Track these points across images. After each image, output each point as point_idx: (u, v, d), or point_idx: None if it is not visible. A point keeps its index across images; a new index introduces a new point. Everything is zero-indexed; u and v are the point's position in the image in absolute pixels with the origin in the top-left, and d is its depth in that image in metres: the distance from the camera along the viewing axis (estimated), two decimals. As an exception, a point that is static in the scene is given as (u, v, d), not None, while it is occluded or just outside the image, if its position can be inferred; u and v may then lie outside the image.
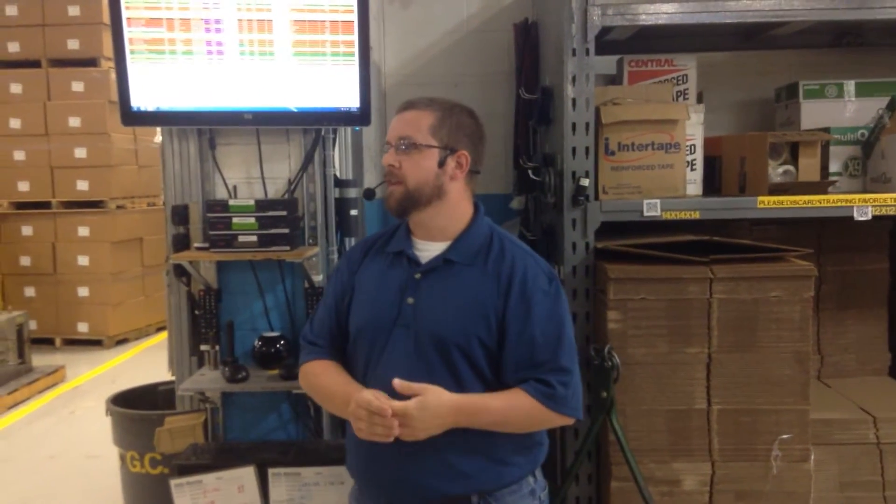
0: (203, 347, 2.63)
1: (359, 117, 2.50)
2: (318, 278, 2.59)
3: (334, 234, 2.65)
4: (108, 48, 6.39)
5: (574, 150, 2.42)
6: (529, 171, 2.70)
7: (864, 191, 2.63)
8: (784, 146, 2.51)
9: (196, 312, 2.63)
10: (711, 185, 2.72)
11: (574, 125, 2.42)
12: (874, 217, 2.39)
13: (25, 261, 6.83)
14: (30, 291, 6.84)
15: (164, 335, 6.81)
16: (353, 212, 2.68)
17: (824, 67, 3.00)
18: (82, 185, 6.68)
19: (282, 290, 2.65)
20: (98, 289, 6.76)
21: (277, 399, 2.67)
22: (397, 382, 1.56)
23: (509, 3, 3.21)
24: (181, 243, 2.59)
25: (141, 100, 2.44)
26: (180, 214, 2.60)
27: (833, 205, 2.41)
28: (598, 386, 2.27)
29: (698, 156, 2.61)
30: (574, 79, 2.41)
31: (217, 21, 2.40)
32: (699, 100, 2.78)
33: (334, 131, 2.64)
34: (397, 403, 1.54)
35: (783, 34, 2.77)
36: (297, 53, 2.43)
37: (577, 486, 2.48)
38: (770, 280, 2.30)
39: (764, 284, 2.30)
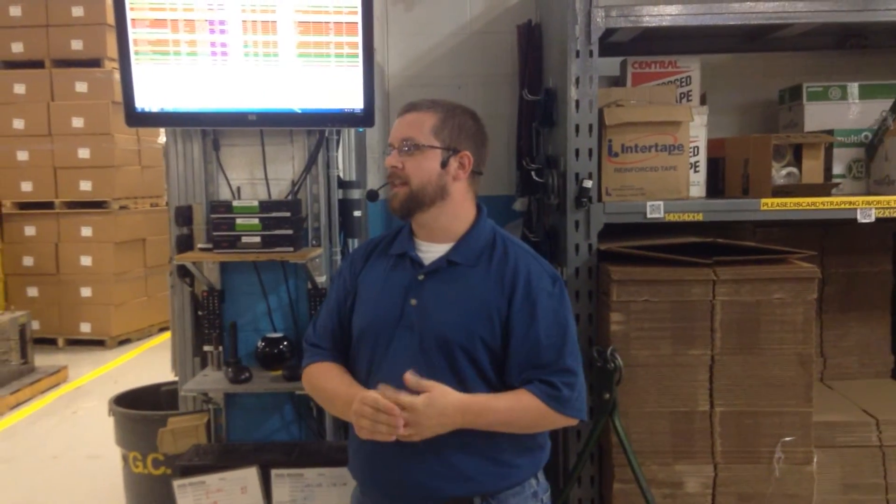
0: (206, 348, 2.63)
1: (362, 118, 2.50)
2: (322, 279, 2.60)
3: (337, 236, 2.66)
4: (111, 49, 6.41)
5: (577, 151, 2.42)
6: (532, 173, 2.71)
7: (868, 193, 2.63)
8: (787, 148, 2.51)
9: (199, 313, 2.64)
10: (715, 187, 2.72)
11: (577, 127, 2.42)
12: (877, 219, 2.39)
13: (28, 261, 6.84)
14: (33, 291, 6.85)
15: (166, 335, 6.84)
16: (357, 213, 2.68)
17: (828, 69, 3.00)
18: (85, 186, 6.69)
19: (285, 291, 2.65)
20: (101, 289, 6.77)
21: (280, 400, 2.67)
22: (409, 376, 1.56)
23: (513, 5, 3.21)
24: (185, 244, 2.60)
25: (145, 101, 2.44)
26: (184, 215, 2.60)
27: (836, 207, 2.40)
28: (600, 388, 2.27)
29: (702, 158, 2.61)
30: (577, 80, 2.41)
31: (221, 22, 2.40)
32: (703, 101, 2.78)
33: (338, 132, 2.64)
34: (406, 397, 1.54)
35: (787, 36, 2.77)
36: (302, 55, 2.43)
37: (579, 488, 2.49)
38: (773, 282, 2.30)
39: (767, 286, 2.30)
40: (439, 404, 1.56)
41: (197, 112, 2.47)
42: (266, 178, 2.63)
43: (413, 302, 1.67)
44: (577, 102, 2.42)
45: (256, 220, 2.45)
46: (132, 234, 6.97)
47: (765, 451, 2.34)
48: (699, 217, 2.41)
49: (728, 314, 2.31)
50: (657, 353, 2.33)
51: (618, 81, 2.84)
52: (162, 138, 2.79)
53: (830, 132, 2.62)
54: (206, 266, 2.61)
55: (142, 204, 7.12)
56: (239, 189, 2.64)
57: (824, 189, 2.49)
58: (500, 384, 1.67)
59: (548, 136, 2.83)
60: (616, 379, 2.25)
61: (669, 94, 2.64)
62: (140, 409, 3.03)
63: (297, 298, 2.66)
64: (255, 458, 2.40)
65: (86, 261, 6.77)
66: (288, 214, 2.46)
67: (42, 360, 6.00)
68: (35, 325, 6.23)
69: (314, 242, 2.65)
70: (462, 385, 1.63)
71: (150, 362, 6.20)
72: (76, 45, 6.61)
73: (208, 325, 2.60)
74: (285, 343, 2.57)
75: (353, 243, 2.68)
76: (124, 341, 6.94)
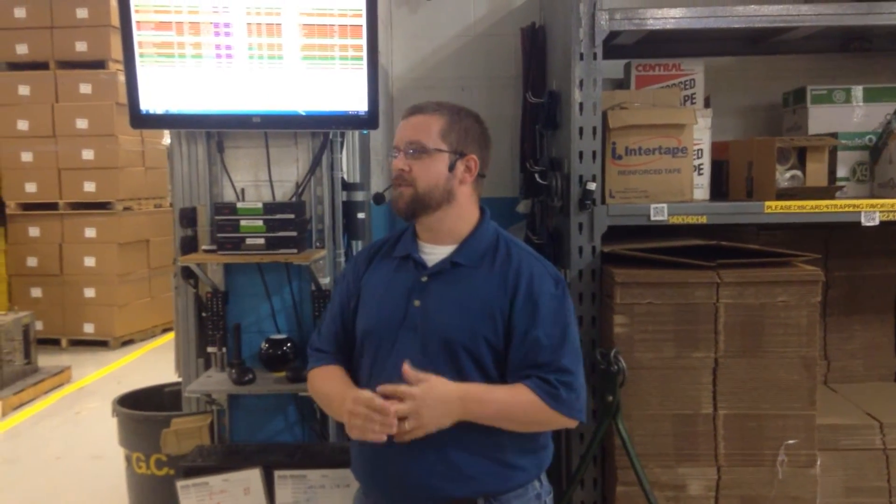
0: (210, 349, 2.63)
1: (367, 121, 2.50)
2: (325, 281, 2.60)
3: (341, 237, 2.66)
4: (116, 50, 6.42)
5: (581, 154, 2.43)
6: (536, 175, 2.70)
7: (872, 196, 2.62)
8: (791, 151, 2.51)
9: (203, 314, 2.64)
10: (718, 189, 2.72)
11: (581, 129, 2.42)
12: (882, 222, 2.39)
13: (32, 261, 6.86)
14: (36, 292, 6.86)
15: (169, 336, 6.86)
16: (361, 215, 2.68)
17: (832, 72, 3.00)
18: (89, 187, 6.71)
19: (289, 292, 2.66)
20: (104, 290, 6.78)
21: (284, 401, 2.67)
22: (407, 367, 1.56)
23: (517, 8, 3.22)
24: (189, 245, 2.60)
25: (150, 102, 2.45)
26: (188, 217, 2.61)
27: (840, 210, 2.40)
28: (603, 390, 2.27)
29: (706, 160, 2.61)
30: (581, 83, 2.41)
31: (226, 25, 2.41)
32: (706, 104, 2.78)
33: (342, 135, 2.64)
34: (404, 387, 1.55)
35: (791, 39, 2.77)
36: (306, 57, 2.44)
37: (582, 491, 2.48)
38: (777, 285, 2.30)
39: (771, 289, 2.30)
40: (438, 391, 1.57)
41: (201, 114, 2.48)
42: (270, 180, 2.64)
43: (416, 303, 1.68)
44: (581, 105, 2.42)
45: (260, 222, 2.45)
46: (136, 235, 6.98)
47: (768, 453, 2.34)
48: (703, 220, 2.41)
49: (732, 317, 2.31)
50: (660, 355, 2.33)
51: (622, 84, 2.84)
52: (166, 140, 2.79)
53: (834, 135, 2.62)
54: (209, 267, 2.61)
55: (146, 205, 7.14)
56: (243, 191, 2.64)
57: (828, 192, 2.49)
58: (502, 384, 1.67)
59: (551, 138, 2.83)
60: (619, 381, 2.25)
61: (673, 97, 2.64)
62: (143, 409, 3.03)
63: (301, 300, 2.66)
64: (259, 459, 2.40)
65: (89, 261, 6.79)
66: (292, 216, 2.46)
67: (45, 360, 6.01)
68: (39, 325, 6.24)
69: (318, 244, 2.65)
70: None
71: (154, 363, 6.21)
72: (80, 46, 6.63)
73: (212, 326, 2.60)
74: (289, 345, 2.57)
75: (357, 245, 2.69)
76: (128, 342, 6.95)
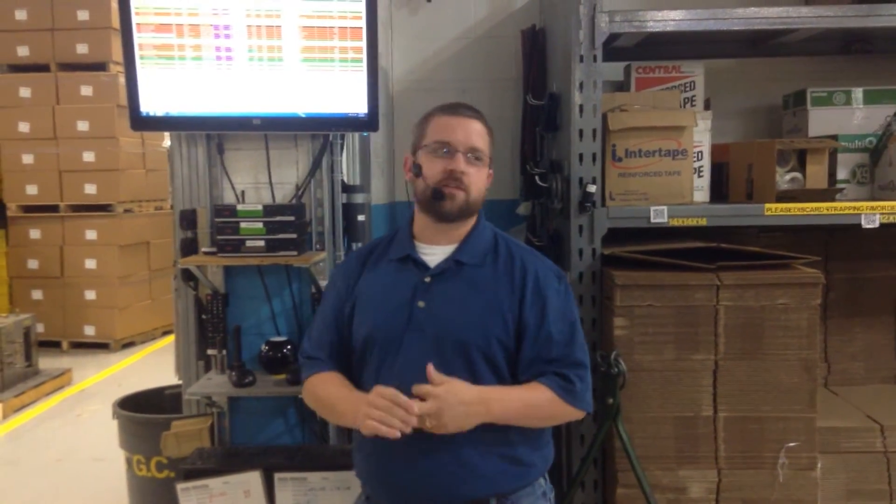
0: (210, 352, 2.64)
1: (367, 123, 2.51)
2: (325, 283, 2.60)
3: (341, 240, 2.66)
4: (116, 52, 6.42)
5: (581, 156, 2.43)
6: (536, 177, 2.70)
7: (872, 198, 2.62)
8: (792, 153, 2.51)
9: (203, 317, 2.64)
10: (719, 191, 2.71)
11: (581, 131, 2.42)
12: (882, 225, 2.39)
13: (33, 264, 6.85)
14: (37, 294, 6.86)
15: (170, 339, 6.85)
16: (361, 217, 2.69)
17: (832, 74, 2.99)
18: (90, 189, 6.71)
19: (289, 294, 2.66)
20: (105, 292, 6.78)
21: (284, 404, 2.68)
22: (431, 368, 1.56)
23: (517, 10, 3.22)
24: (189, 248, 2.60)
25: (150, 105, 2.45)
26: (188, 219, 2.61)
27: (841, 212, 2.40)
28: (604, 392, 2.27)
29: (706, 162, 2.61)
30: (581, 85, 2.41)
31: (226, 27, 2.41)
32: (706, 106, 2.78)
33: (342, 137, 2.64)
34: (428, 386, 1.55)
35: (791, 41, 2.77)
36: (306, 59, 2.44)
37: (583, 493, 2.48)
38: (777, 287, 2.30)
39: (771, 292, 2.30)
40: (461, 393, 1.57)
41: (202, 116, 2.48)
42: (270, 182, 2.64)
43: (421, 304, 1.67)
44: (581, 107, 2.42)
45: (261, 224, 2.45)
46: (136, 237, 6.98)
47: (769, 456, 2.33)
48: (703, 222, 2.41)
49: (732, 319, 2.31)
50: (661, 357, 2.33)
51: (622, 86, 2.84)
52: (167, 142, 2.79)
53: (834, 137, 2.62)
54: (210, 270, 2.62)
55: (146, 207, 7.14)
56: (243, 193, 2.64)
57: (828, 194, 2.49)
58: (514, 383, 1.68)
59: (552, 140, 2.83)
60: (619, 384, 2.25)
61: (673, 99, 2.64)
62: (144, 412, 3.03)
63: (301, 302, 2.66)
64: (259, 461, 2.40)
65: (90, 264, 6.78)
66: (292, 218, 2.46)
67: (46, 362, 6.01)
68: (39, 327, 6.25)
69: (318, 246, 2.65)
70: (478, 385, 1.63)
71: (154, 365, 6.21)
72: (81, 48, 6.63)
73: (212, 328, 2.60)
74: (289, 347, 2.57)
75: (357, 247, 2.68)
76: (128, 344, 6.95)
